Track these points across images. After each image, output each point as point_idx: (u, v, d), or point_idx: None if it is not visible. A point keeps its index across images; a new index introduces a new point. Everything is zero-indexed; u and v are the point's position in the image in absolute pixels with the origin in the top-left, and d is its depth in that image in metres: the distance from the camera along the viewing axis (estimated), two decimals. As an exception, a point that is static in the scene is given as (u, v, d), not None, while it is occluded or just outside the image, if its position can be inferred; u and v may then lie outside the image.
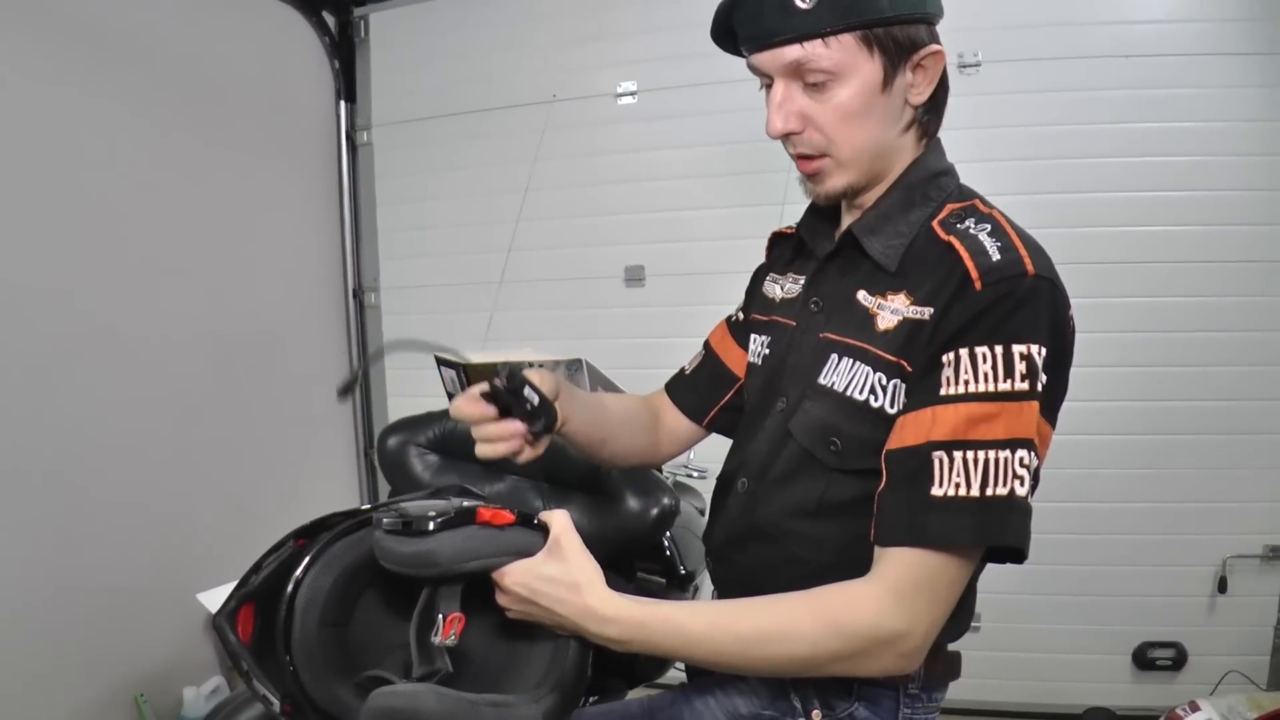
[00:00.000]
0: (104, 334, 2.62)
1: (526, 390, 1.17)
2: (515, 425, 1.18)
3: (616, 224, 3.44)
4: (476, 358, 1.74)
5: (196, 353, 2.92)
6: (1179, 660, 2.97)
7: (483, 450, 1.19)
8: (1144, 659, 2.99)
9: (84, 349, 2.56)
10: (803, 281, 1.32)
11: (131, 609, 2.62)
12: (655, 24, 3.25)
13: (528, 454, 1.21)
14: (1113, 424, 2.94)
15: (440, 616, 1.07)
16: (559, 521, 1.10)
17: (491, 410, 1.18)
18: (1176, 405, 2.93)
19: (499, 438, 1.18)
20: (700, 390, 1.52)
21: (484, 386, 1.17)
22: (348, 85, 3.70)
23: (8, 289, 2.35)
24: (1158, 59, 2.85)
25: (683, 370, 1.57)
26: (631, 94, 3.38)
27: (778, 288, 1.39)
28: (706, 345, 1.55)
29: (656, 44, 3.24)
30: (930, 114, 1.18)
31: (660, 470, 1.83)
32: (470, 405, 1.17)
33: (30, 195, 2.43)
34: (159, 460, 2.78)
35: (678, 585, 1.75)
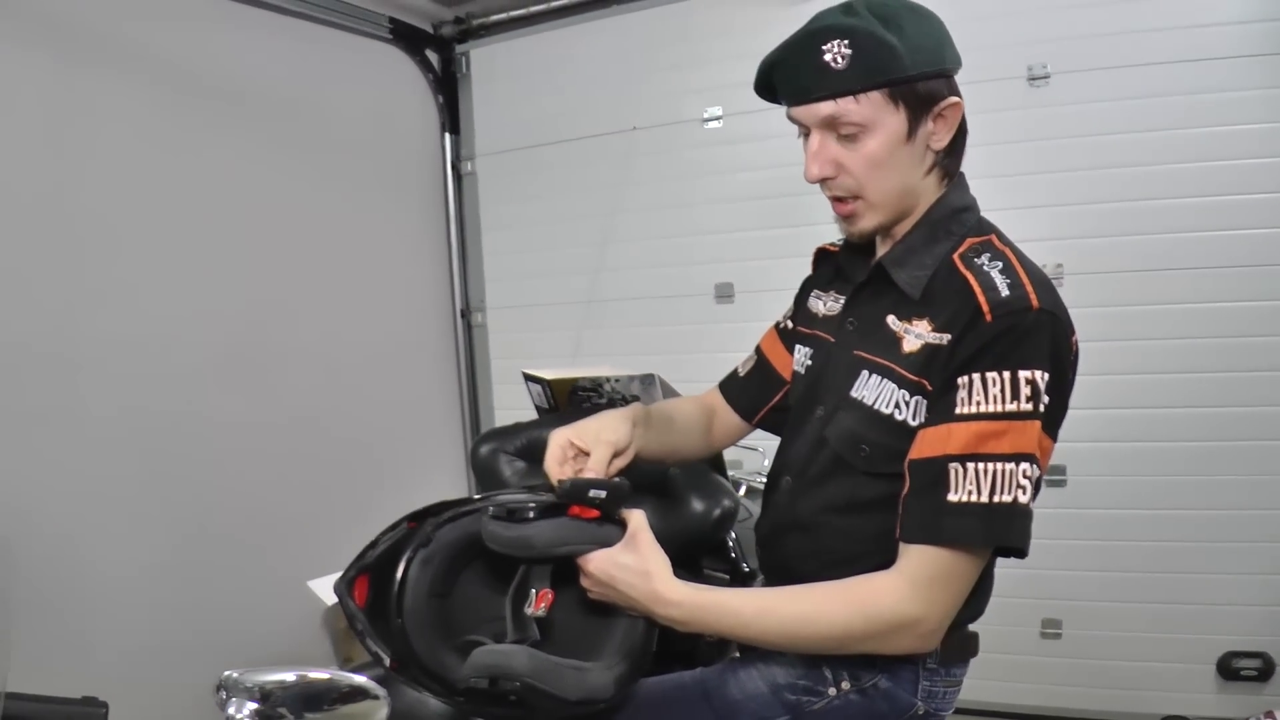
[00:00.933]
0: (238, 356, 2.94)
1: (591, 494, 1.28)
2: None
3: (707, 243, 3.59)
4: (556, 374, 1.92)
5: (319, 371, 3.20)
6: (1265, 670, 2.92)
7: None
8: (1229, 668, 2.95)
9: (221, 369, 2.89)
10: (842, 301, 1.47)
11: (256, 600, 2.89)
12: (737, 52, 3.36)
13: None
14: (1198, 430, 2.93)
15: (533, 591, 1.29)
16: (636, 519, 1.31)
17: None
18: (1266, 410, 2.88)
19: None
20: (752, 392, 1.69)
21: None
22: (452, 118, 3.95)
23: (159, 319, 2.69)
24: (1228, 61, 2.83)
25: (735, 371, 1.74)
26: (718, 118, 3.53)
27: (821, 304, 1.55)
28: (758, 350, 1.71)
29: (739, 70, 3.35)
30: (950, 157, 1.33)
31: (726, 474, 1.97)
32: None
33: (182, 237, 2.77)
34: (284, 470, 3.07)
35: (740, 581, 1.88)
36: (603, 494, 1.29)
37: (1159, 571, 3.00)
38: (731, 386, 1.74)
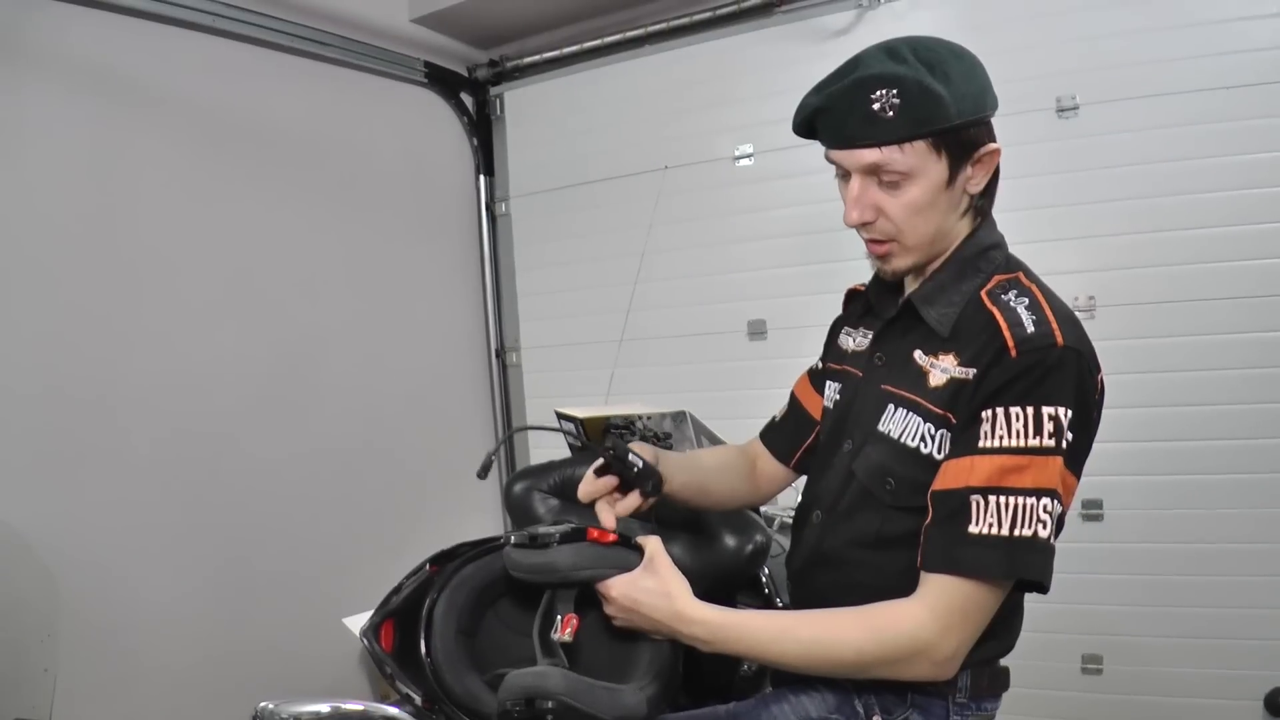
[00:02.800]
0: (277, 396, 3.01)
1: (630, 457, 1.39)
2: (633, 496, 1.42)
3: (739, 280, 3.60)
4: (589, 412, 1.95)
5: (356, 410, 3.26)
6: (1314, 706, 2.89)
7: (605, 519, 1.41)
8: (1275, 705, 2.87)
9: (260, 408, 2.95)
10: (871, 336, 1.49)
11: (295, 636, 2.95)
12: (768, 90, 3.42)
13: (635, 505, 1.44)
14: (1238, 463, 2.88)
15: (559, 617, 1.32)
16: (653, 544, 1.34)
17: (612, 483, 1.42)
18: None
19: (624, 511, 1.42)
20: (787, 435, 1.71)
21: (599, 462, 1.42)
22: (486, 160, 4.01)
23: (200, 359, 2.77)
24: (1258, 88, 2.81)
25: (774, 419, 1.77)
26: (749, 156, 3.55)
27: (850, 340, 1.56)
28: (792, 395, 1.73)
29: (770, 108, 3.40)
30: (984, 198, 1.35)
31: (759, 511, 1.98)
32: (592, 485, 1.43)
33: (222, 280, 2.86)
34: (321, 508, 3.12)
35: (775, 617, 1.90)
36: (640, 463, 1.38)
37: (1202, 606, 2.95)
38: (769, 432, 1.76)
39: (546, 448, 3.88)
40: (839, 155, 1.30)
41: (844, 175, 1.32)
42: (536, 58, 3.86)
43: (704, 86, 3.62)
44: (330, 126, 3.30)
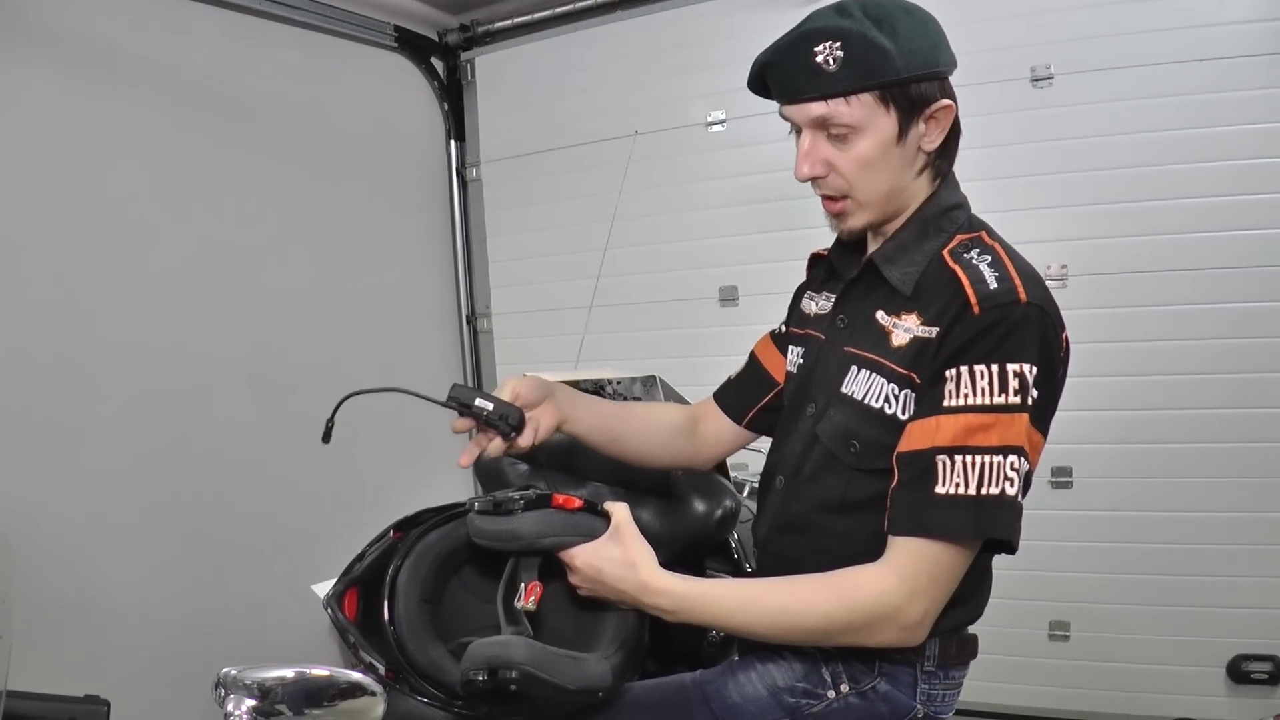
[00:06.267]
0: (244, 362, 2.97)
1: (477, 403, 1.40)
2: (496, 441, 1.43)
3: (711, 247, 3.59)
4: (558, 377, 1.93)
5: (324, 376, 3.20)
6: (1276, 674, 2.89)
7: (463, 460, 1.46)
8: (1239, 672, 2.92)
9: (227, 374, 2.91)
10: (833, 300, 1.47)
11: (263, 604, 2.91)
12: (741, 56, 3.32)
13: (503, 446, 1.44)
14: (1206, 431, 2.91)
15: (522, 585, 1.30)
16: (619, 512, 1.32)
17: (468, 424, 1.42)
18: (1275, 412, 2.85)
19: (494, 452, 1.43)
20: (742, 392, 1.69)
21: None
22: (457, 125, 3.96)
23: (164, 325, 2.72)
24: (1234, 60, 2.81)
25: (729, 378, 1.75)
26: (721, 122, 3.54)
27: (813, 304, 1.55)
28: (751, 354, 1.72)
29: (742, 74, 3.35)
30: (942, 158, 1.33)
31: (729, 476, 1.97)
32: (458, 423, 1.43)
33: (188, 244, 2.81)
34: (289, 476, 3.08)
35: (743, 582, 1.89)
36: (489, 406, 1.39)
37: (1168, 574, 2.98)
38: (723, 391, 1.74)
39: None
40: (789, 111, 1.30)
41: (797, 131, 1.32)
42: (508, 22, 3.82)
43: (678, 52, 3.58)
44: (298, 92, 3.24)
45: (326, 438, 1.37)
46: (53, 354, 2.46)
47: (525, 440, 1.44)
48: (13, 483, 2.32)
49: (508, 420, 1.40)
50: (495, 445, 1.43)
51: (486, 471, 1.94)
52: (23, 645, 2.22)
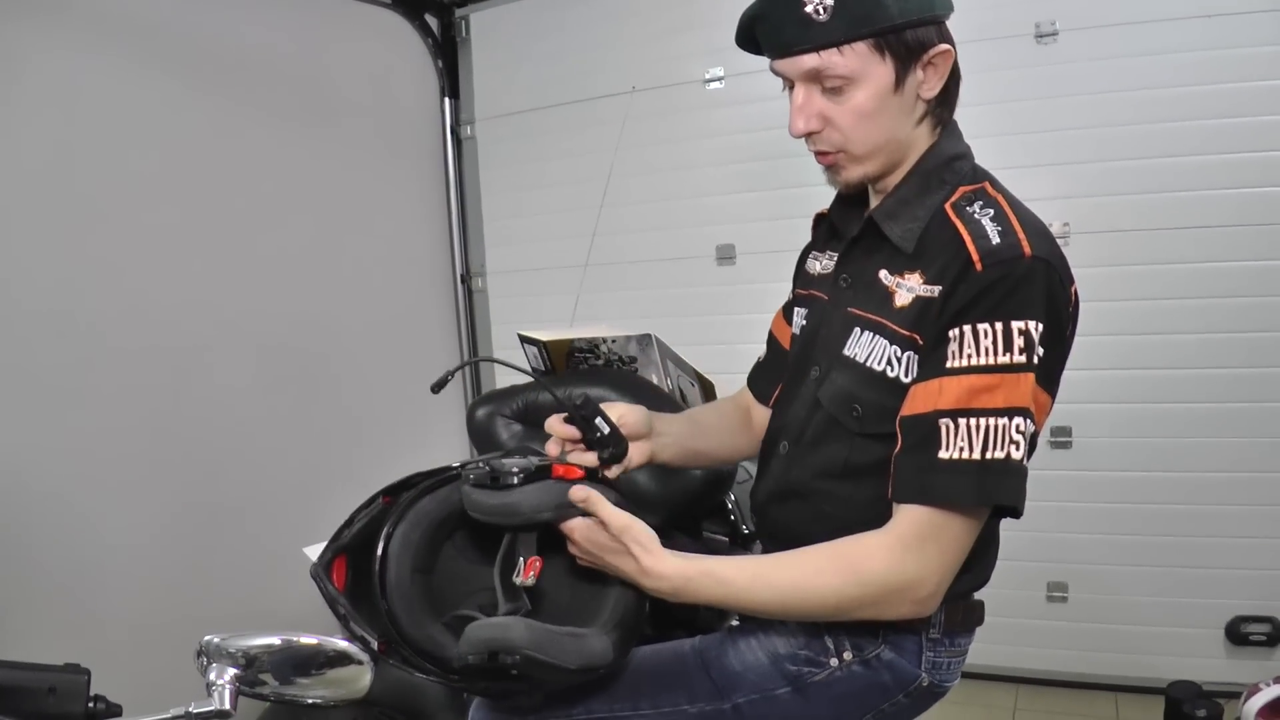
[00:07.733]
0: (236, 323, 2.93)
1: (598, 420, 1.31)
2: (588, 456, 1.33)
3: (708, 205, 3.55)
4: (553, 335, 1.90)
5: (318, 337, 3.19)
6: (1274, 636, 2.89)
7: (550, 448, 1.35)
8: (1237, 634, 2.92)
9: (220, 336, 2.88)
10: (835, 259, 1.42)
11: (257, 570, 2.88)
12: (739, 12, 3.33)
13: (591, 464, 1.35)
14: (1206, 392, 2.89)
15: (521, 560, 1.25)
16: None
17: (574, 433, 1.33)
18: (1276, 372, 2.83)
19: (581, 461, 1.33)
20: (767, 374, 1.63)
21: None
22: (451, 83, 3.90)
23: (157, 287, 2.68)
24: (1238, 17, 2.76)
25: (757, 361, 1.69)
26: (719, 79, 3.48)
27: (816, 264, 1.50)
28: (769, 335, 1.66)
29: (742, 31, 3.31)
30: (942, 105, 1.28)
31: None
32: (559, 425, 1.34)
33: (178, 205, 2.77)
34: (284, 435, 3.06)
35: (740, 544, 1.87)
36: (606, 429, 1.30)
37: (1167, 535, 2.98)
38: (753, 377, 1.68)
39: (510, 373, 3.82)
40: (780, 65, 1.24)
41: (789, 86, 1.26)
42: (504, -23, 3.74)
43: (675, 8, 3.51)
44: (291, 49, 3.18)
45: (438, 389, 1.30)
46: (43, 319, 2.43)
47: (614, 474, 1.36)
48: (6, 442, 2.30)
49: (613, 452, 1.33)
50: (584, 457, 1.34)
51: (480, 431, 1.92)
52: (10, 610, 2.22)
